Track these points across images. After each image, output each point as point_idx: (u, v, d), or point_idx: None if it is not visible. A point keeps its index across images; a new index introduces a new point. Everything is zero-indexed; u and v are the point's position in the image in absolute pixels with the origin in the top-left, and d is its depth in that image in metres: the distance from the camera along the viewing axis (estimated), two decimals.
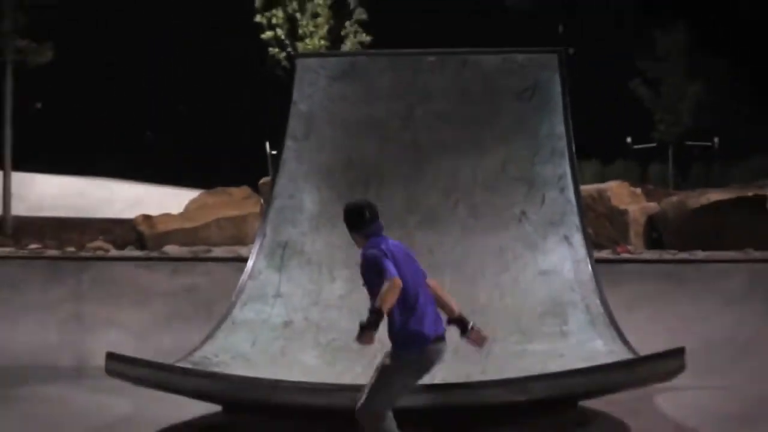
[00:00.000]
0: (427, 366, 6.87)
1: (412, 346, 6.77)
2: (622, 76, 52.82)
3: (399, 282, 6.60)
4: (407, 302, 6.79)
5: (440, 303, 6.96)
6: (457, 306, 6.98)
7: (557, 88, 10.76)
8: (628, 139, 55.11)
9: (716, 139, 52.88)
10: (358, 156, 10.44)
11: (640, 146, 55.10)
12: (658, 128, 53.47)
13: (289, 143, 10.62)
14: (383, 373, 6.83)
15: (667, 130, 53.11)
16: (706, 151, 53.36)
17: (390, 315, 6.69)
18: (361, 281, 7.01)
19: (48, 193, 25.69)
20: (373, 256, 6.80)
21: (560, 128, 10.49)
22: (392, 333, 6.82)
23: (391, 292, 6.52)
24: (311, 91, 11.03)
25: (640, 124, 53.84)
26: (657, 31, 52.24)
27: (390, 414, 6.78)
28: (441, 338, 6.79)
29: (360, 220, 7.09)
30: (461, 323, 6.89)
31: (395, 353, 6.84)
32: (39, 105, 40.52)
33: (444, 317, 6.92)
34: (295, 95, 10.97)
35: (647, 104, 53.17)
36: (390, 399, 6.79)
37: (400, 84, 11.10)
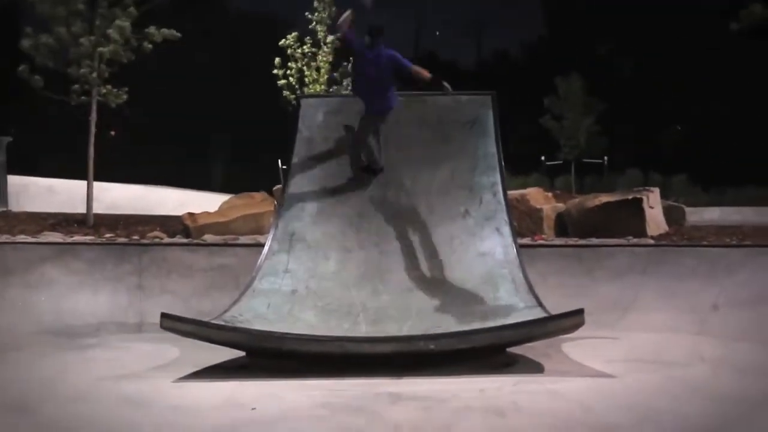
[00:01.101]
0: (374, 124, 9.93)
1: (367, 113, 9.81)
2: (536, 112, 53.08)
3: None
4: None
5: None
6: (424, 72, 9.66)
7: (491, 120, 10.75)
8: (542, 158, 55.35)
9: (606, 158, 53.17)
10: (346, 170, 10.39)
11: (550, 163, 55.38)
12: (563, 150, 53.82)
13: (295, 160, 10.56)
14: (361, 124, 9.82)
15: (570, 151, 53.53)
16: (598, 166, 53.65)
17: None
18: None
19: (119, 196, 25.50)
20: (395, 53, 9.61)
21: (493, 149, 10.47)
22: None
23: (423, 71, 9.59)
24: (312, 123, 10.94)
25: (550, 147, 54.20)
26: (558, 78, 52.64)
27: (368, 138, 9.84)
28: (379, 113, 9.83)
29: (380, 33, 9.61)
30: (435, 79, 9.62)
31: (363, 117, 9.84)
32: (113, 133, 40.19)
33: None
34: (300, 125, 10.88)
35: (554, 133, 53.52)
36: (364, 131, 9.81)
37: None
